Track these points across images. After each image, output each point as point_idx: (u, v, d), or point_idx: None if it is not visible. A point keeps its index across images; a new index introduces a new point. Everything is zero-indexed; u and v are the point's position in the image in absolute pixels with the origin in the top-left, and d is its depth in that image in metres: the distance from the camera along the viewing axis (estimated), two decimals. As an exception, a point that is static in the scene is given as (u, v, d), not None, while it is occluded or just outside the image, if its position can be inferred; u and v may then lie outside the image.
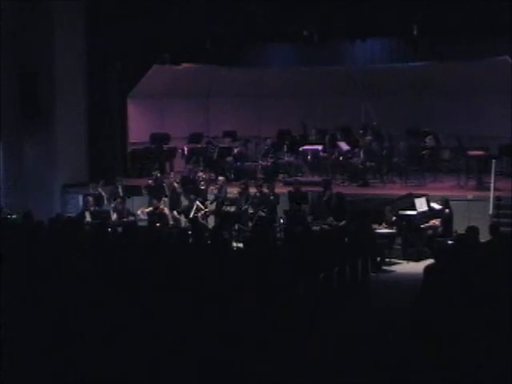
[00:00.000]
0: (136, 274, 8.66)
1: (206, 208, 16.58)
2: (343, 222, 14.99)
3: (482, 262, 8.38)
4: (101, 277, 8.60)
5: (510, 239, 10.09)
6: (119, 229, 14.39)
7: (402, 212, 15.19)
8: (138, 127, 21.08)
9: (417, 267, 12.95)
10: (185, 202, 17.01)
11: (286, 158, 20.00)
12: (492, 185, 15.91)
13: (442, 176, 18.58)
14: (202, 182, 17.41)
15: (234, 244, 13.86)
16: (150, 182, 17.62)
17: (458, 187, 17.29)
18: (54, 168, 18.84)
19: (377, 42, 19.24)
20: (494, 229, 10.75)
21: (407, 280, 12.78)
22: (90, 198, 16.44)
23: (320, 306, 9.72)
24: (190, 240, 11.38)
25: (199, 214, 16.22)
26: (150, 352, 7.12)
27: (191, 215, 16.27)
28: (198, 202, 16.39)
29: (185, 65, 20.81)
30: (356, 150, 19.02)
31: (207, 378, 6.91)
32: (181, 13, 18.44)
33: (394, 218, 15.10)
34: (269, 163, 19.41)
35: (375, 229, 14.59)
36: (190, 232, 14.54)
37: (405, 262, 14.77)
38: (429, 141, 19.07)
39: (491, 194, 15.70)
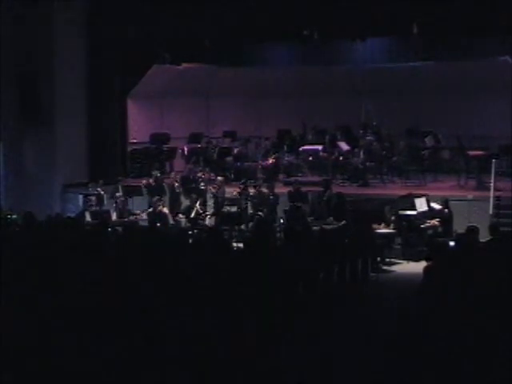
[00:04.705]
0: (136, 274, 8.67)
1: (205, 209, 16.60)
2: (343, 222, 14.99)
3: (481, 262, 8.38)
4: (101, 277, 8.59)
5: (510, 239, 10.08)
6: (119, 229, 14.39)
7: (402, 212, 15.18)
8: (138, 127, 21.08)
9: (417, 267, 12.92)
10: (185, 202, 17.02)
11: (286, 158, 20.01)
12: (492, 185, 15.91)
13: (442, 176, 18.58)
14: (202, 182, 17.43)
15: (234, 244, 13.86)
16: (150, 181, 17.62)
17: (457, 187, 17.30)
18: (53, 168, 18.84)
19: (377, 42, 19.24)
20: (493, 229, 10.75)
21: (407, 280, 12.78)
22: (92, 198, 16.49)
23: (320, 306, 9.71)
24: (190, 240, 11.38)
25: (199, 216, 16.27)
26: (149, 352, 7.12)
27: (192, 215, 16.28)
28: (197, 206, 16.41)
29: (185, 65, 20.82)
30: (356, 150, 19.03)
31: (207, 378, 6.91)
32: (181, 13, 18.45)
33: (394, 218, 15.10)
34: (269, 163, 19.42)
35: (375, 229, 14.59)
36: (189, 232, 14.57)
37: (405, 261, 14.76)
38: (429, 141, 19.08)
39: (491, 194, 15.71)
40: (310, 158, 19.50)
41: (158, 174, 17.91)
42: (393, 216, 15.13)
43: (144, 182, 17.72)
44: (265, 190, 16.60)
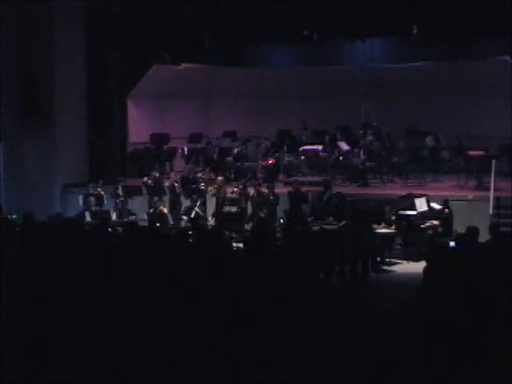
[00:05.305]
0: (136, 274, 8.66)
1: (205, 210, 16.63)
2: (343, 222, 14.98)
3: (481, 262, 8.37)
4: (101, 277, 8.59)
5: (510, 239, 10.08)
6: (119, 229, 14.40)
7: (401, 212, 15.19)
8: (138, 127, 21.08)
9: (417, 267, 12.92)
10: (185, 203, 17.02)
11: (286, 158, 20.02)
12: (492, 185, 15.91)
13: (442, 176, 18.59)
14: (202, 183, 17.43)
15: (234, 244, 13.86)
16: (149, 181, 17.60)
17: (457, 187, 17.30)
18: (53, 168, 18.83)
19: (377, 42, 19.25)
20: (494, 229, 10.74)
21: (407, 280, 12.78)
22: (92, 198, 16.51)
23: (320, 305, 9.71)
24: (190, 240, 11.37)
25: (199, 217, 16.29)
26: (149, 353, 7.12)
27: (192, 215, 16.29)
28: (197, 209, 16.42)
29: (185, 65, 20.83)
30: (356, 150, 19.03)
31: (206, 378, 6.92)
32: (181, 13, 18.45)
33: (394, 218, 15.10)
34: (269, 163, 19.42)
35: (375, 229, 14.59)
36: (190, 232, 14.55)
37: (405, 261, 14.77)
38: (429, 141, 19.09)
39: (491, 194, 15.70)
40: (310, 158, 19.50)
41: (157, 174, 17.92)
42: (393, 216, 15.13)
43: (144, 180, 17.70)
44: (265, 190, 16.61)
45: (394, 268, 14.51)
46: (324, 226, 14.57)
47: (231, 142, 21.05)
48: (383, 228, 14.88)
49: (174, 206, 17.07)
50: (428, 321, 7.23)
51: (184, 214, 16.62)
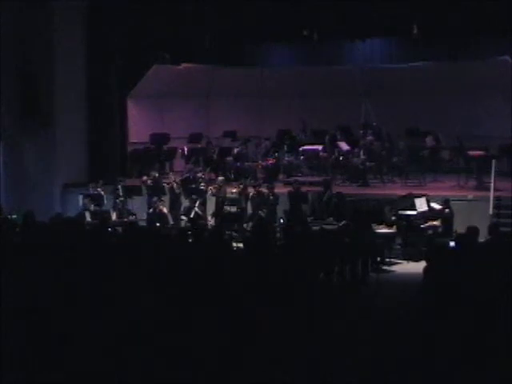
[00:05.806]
0: (136, 274, 8.66)
1: (204, 209, 16.62)
2: (343, 222, 14.99)
3: (481, 262, 8.38)
4: (101, 277, 8.59)
5: (510, 239, 10.08)
6: (119, 229, 14.39)
7: (401, 212, 15.19)
8: (138, 127, 21.09)
9: (417, 267, 12.92)
10: (185, 203, 17.03)
11: (286, 158, 20.02)
12: (492, 185, 15.91)
13: (442, 176, 18.59)
14: (202, 183, 17.44)
15: (234, 244, 13.86)
16: (148, 181, 17.60)
17: (457, 187, 17.30)
18: (54, 168, 18.84)
19: (377, 42, 19.27)
20: (493, 229, 10.74)
21: (407, 280, 12.78)
22: (87, 200, 16.51)
23: (320, 305, 9.71)
24: (190, 240, 11.37)
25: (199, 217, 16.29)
26: (149, 352, 7.12)
27: (192, 215, 16.29)
28: (197, 209, 16.42)
29: (185, 65, 20.84)
30: (356, 150, 19.03)
31: (205, 379, 6.91)
32: (180, 13, 18.46)
33: (394, 218, 15.10)
34: (269, 163, 19.43)
35: (375, 229, 14.59)
36: (189, 232, 14.56)
37: (405, 261, 14.77)
38: (429, 141, 19.09)
39: (491, 194, 15.71)
40: (310, 158, 19.51)
41: (157, 174, 17.91)
42: (393, 216, 15.13)
43: (143, 180, 17.69)
44: (265, 190, 16.61)
45: (394, 268, 14.51)
46: (324, 226, 14.57)
47: (231, 142, 21.05)
48: (383, 228, 14.88)
49: (174, 206, 17.07)
50: (428, 321, 7.23)
51: (184, 214, 16.63)
